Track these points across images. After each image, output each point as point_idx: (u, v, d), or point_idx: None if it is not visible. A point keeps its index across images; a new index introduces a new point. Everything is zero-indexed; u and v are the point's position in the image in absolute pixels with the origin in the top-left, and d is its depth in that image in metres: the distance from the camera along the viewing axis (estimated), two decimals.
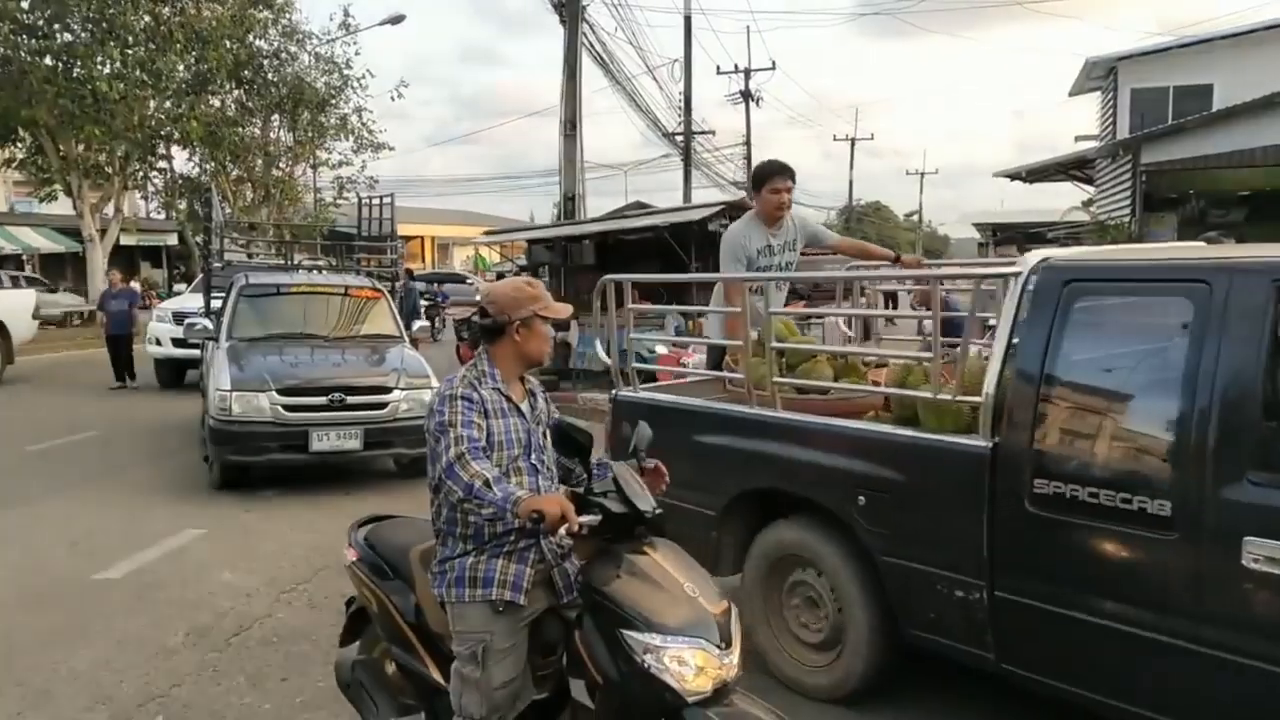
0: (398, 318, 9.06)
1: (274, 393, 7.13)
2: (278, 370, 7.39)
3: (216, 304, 9.33)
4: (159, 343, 13.39)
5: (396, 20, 24.90)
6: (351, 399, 7.24)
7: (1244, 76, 19.00)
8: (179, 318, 12.69)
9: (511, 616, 2.60)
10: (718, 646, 2.35)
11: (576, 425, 2.79)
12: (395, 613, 2.94)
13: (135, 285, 19.97)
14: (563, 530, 2.41)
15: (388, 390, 7.45)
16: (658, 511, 2.58)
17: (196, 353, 12.75)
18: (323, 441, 7.15)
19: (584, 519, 2.47)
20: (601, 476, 2.73)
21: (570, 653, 2.59)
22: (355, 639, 3.40)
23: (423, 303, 17.26)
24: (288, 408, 7.13)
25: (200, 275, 10.95)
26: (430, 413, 2.65)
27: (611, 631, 2.39)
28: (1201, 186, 20.42)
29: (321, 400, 7.20)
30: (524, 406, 2.77)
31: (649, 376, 12.66)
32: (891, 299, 25.15)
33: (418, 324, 9.53)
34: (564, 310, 2.81)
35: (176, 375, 13.51)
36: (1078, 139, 27.11)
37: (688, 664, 2.30)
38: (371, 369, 7.78)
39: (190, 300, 13.68)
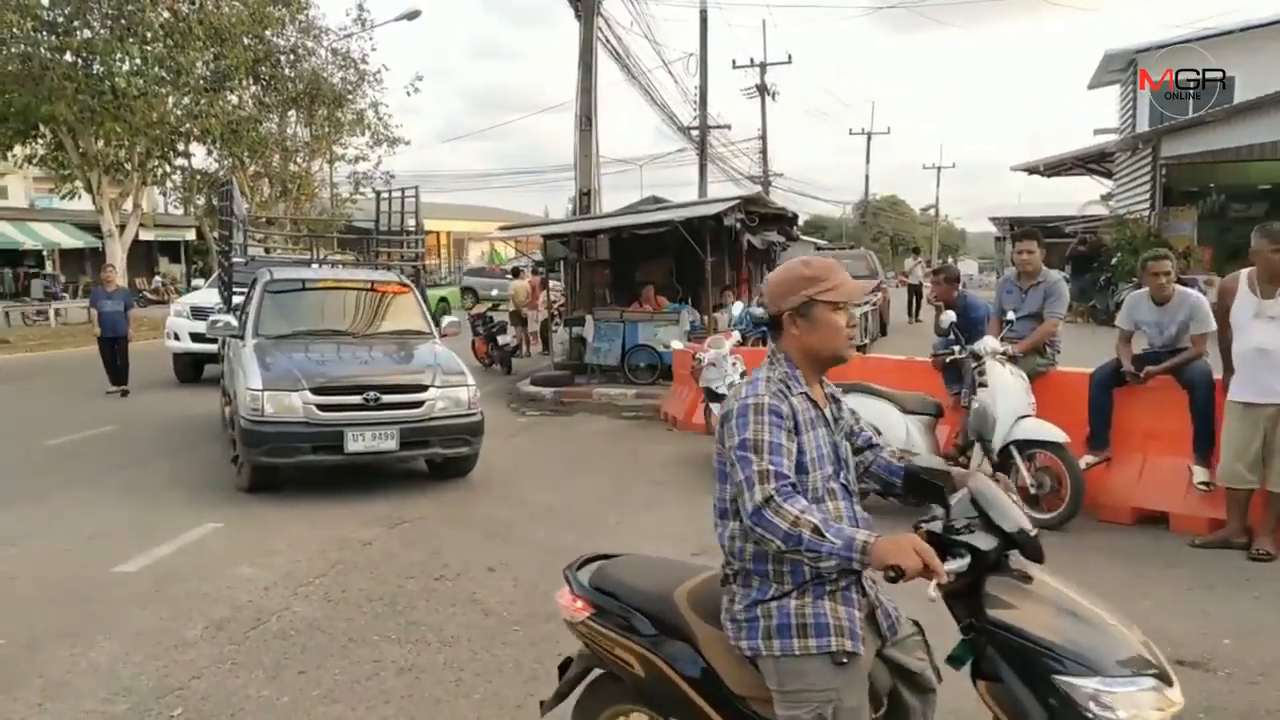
0: (427, 313, 8.74)
1: (307, 392, 6.86)
2: (309, 369, 7.11)
3: (237, 299, 9.25)
4: (177, 338, 13.42)
5: (412, 16, 24.98)
6: (387, 398, 6.98)
7: (1266, 69, 18.78)
8: (198, 313, 12.78)
9: (855, 669, 2.18)
10: (1166, 683, 2.04)
11: (930, 466, 2.42)
12: (674, 676, 2.40)
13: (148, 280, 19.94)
14: (931, 589, 2.06)
15: (423, 388, 7.17)
16: (1034, 533, 2.17)
17: (215, 348, 12.52)
18: (358, 442, 6.89)
19: (950, 566, 2.08)
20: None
21: (910, 704, 2.25)
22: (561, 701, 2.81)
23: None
24: (321, 407, 6.87)
25: (218, 270, 10.63)
26: (725, 422, 2.21)
27: (1041, 676, 2.00)
28: (1222, 180, 20.23)
29: (356, 399, 6.93)
30: (828, 413, 2.34)
31: (665, 372, 12.57)
32: (915, 293, 24.95)
33: (448, 319, 9.13)
34: (853, 291, 2.31)
35: (195, 370, 13.56)
36: (1096, 132, 26.94)
37: (1141, 710, 1.97)
38: (406, 366, 7.51)
39: (208, 295, 13.65)
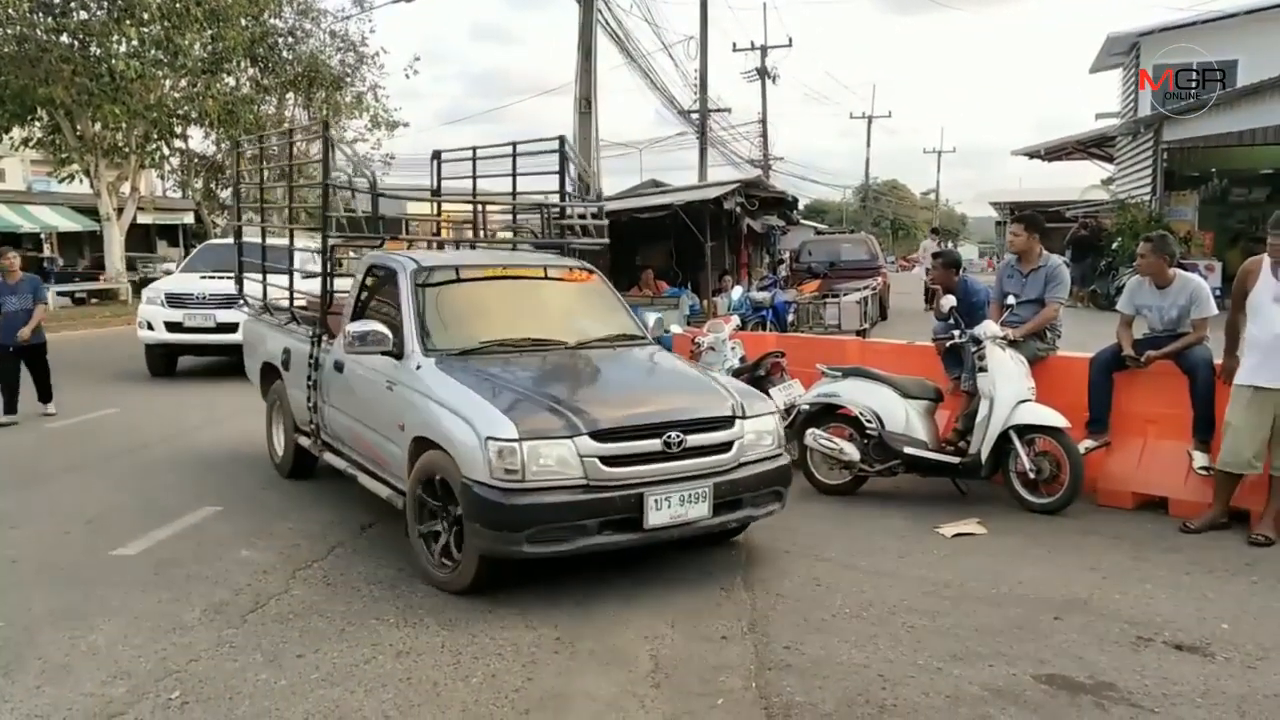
0: (630, 309, 6.52)
1: (586, 438, 4.48)
2: (568, 400, 4.76)
3: (299, 287, 7.35)
4: (150, 327, 12.18)
5: None
6: (692, 438, 4.73)
7: (1269, 52, 18.69)
8: (173, 300, 12.07)
9: None
10: None
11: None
12: None
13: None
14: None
15: (730, 421, 4.90)
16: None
17: (192, 338, 11.94)
18: (662, 510, 4.56)
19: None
20: None
21: None
22: None
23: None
24: (609, 460, 4.51)
25: (232, 238, 8.60)
26: None
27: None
28: (1224, 164, 20.17)
29: (654, 445, 4.63)
30: None
31: None
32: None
33: (653, 316, 6.99)
34: None
35: (169, 363, 12.55)
36: (1098, 116, 26.84)
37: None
38: (689, 390, 5.27)
39: (184, 280, 12.67)
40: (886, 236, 61.30)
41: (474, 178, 8.28)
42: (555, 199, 7.55)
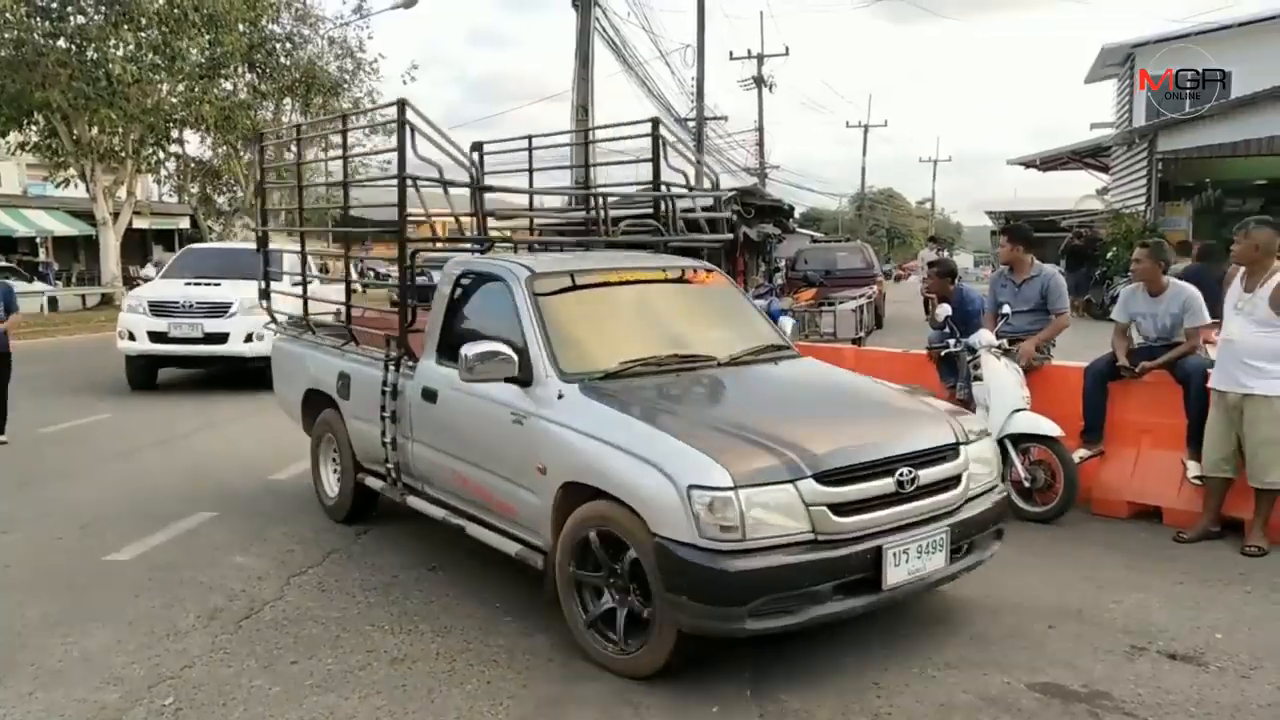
0: (763, 313, 5.85)
1: (811, 481, 3.63)
2: (776, 435, 3.83)
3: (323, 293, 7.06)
4: (132, 337, 11.32)
5: (409, 4, 24.87)
6: (924, 474, 3.92)
7: (1263, 64, 18.77)
8: (157, 309, 11.30)
9: None
10: None
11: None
12: None
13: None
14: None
15: (955, 451, 4.12)
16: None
17: (178, 348, 11.21)
18: (900, 565, 3.78)
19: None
20: None
21: None
22: None
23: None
24: (840, 507, 3.67)
25: (258, 247, 7.51)
26: None
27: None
28: (1218, 175, 20.25)
29: (886, 485, 3.80)
30: None
31: None
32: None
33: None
34: None
35: (150, 375, 11.73)
36: (1093, 126, 26.93)
37: None
38: (905, 415, 4.43)
39: (167, 288, 11.85)
40: (882, 245, 61.40)
41: (530, 170, 7.41)
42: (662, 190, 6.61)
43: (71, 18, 20.70)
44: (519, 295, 4.69)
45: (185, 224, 37.04)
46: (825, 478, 3.66)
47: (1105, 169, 24.52)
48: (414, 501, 5.27)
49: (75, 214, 31.32)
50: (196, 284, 11.67)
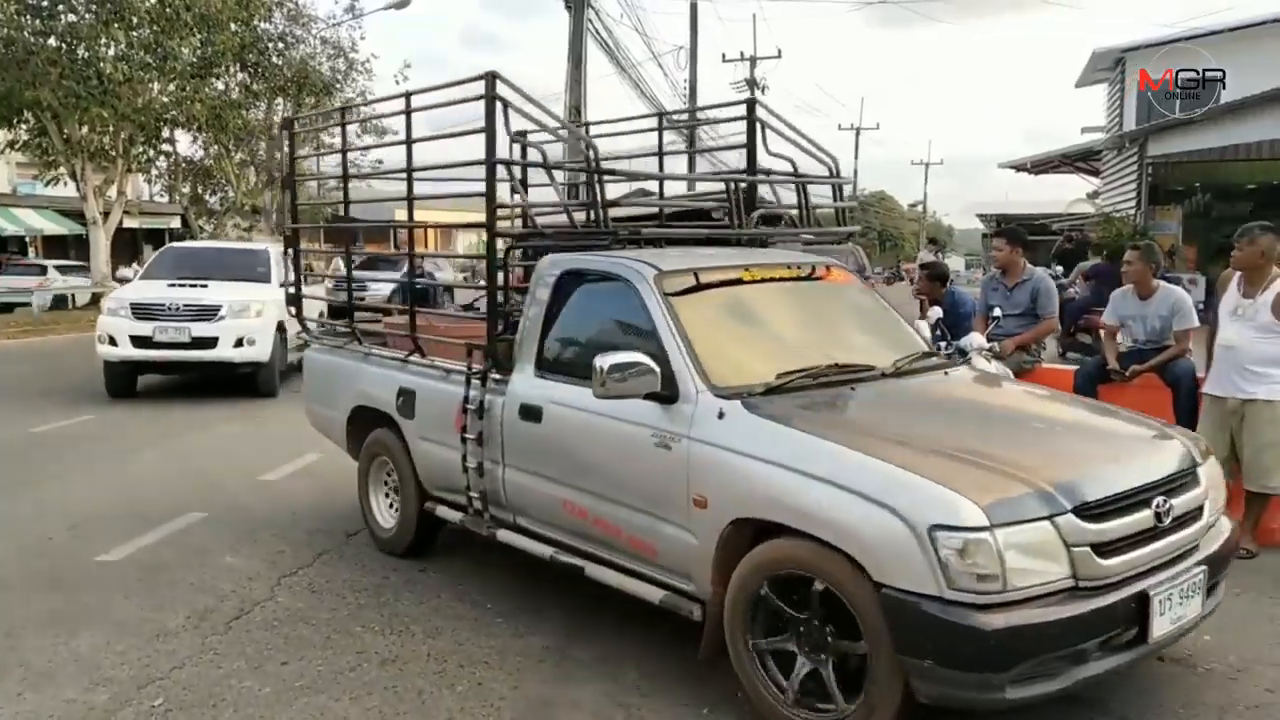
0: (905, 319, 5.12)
1: (1071, 517, 3.07)
2: (1013, 460, 3.26)
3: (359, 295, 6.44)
4: (113, 342, 10.57)
5: (401, 4, 24.85)
6: (1177, 503, 3.40)
7: (1253, 70, 18.87)
8: (140, 311, 10.54)
9: None
10: None
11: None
12: None
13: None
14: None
15: (1194, 475, 3.60)
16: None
17: (163, 354, 10.54)
18: (1165, 612, 3.27)
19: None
20: None
21: None
22: None
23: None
24: (1103, 547, 3.13)
25: (288, 255, 6.64)
26: None
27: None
28: (1208, 179, 20.35)
29: (1145, 518, 3.28)
30: None
31: None
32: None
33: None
34: None
35: (129, 381, 11.03)
36: (1084, 130, 27.02)
37: None
38: (1129, 434, 3.93)
39: (150, 289, 11.06)
40: (874, 248, 61.55)
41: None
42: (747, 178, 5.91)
43: (62, 16, 20.61)
44: (648, 297, 4.03)
45: (176, 223, 36.92)
46: (1084, 511, 3.08)
47: (1096, 173, 24.61)
48: (506, 536, 4.60)
49: (65, 213, 31.14)
50: (181, 285, 11.06)
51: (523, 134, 5.01)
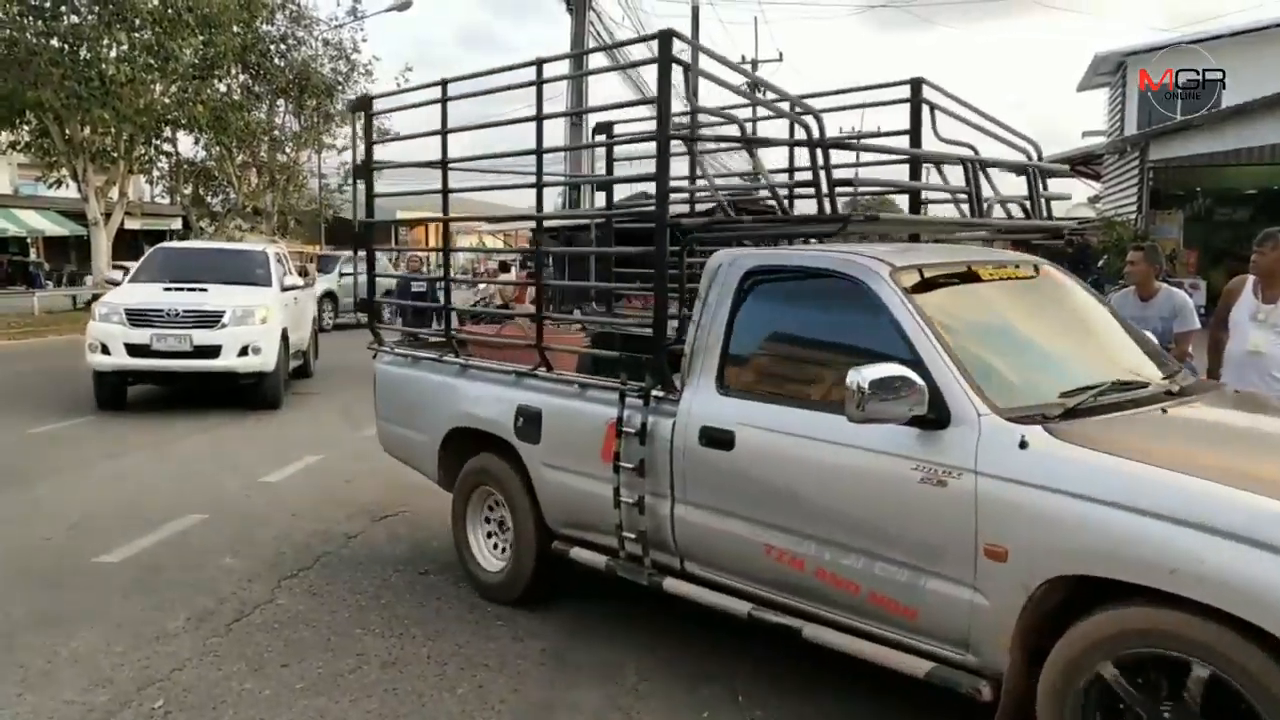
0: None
1: None
2: None
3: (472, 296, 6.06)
4: (106, 350, 9.84)
5: (403, 6, 24.90)
6: None
7: (1253, 74, 18.90)
8: (135, 317, 9.88)
9: None
10: None
11: None
12: None
13: None
14: None
15: None
16: None
17: (162, 364, 9.87)
18: None
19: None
20: None
21: None
22: None
23: None
24: None
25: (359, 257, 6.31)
26: None
27: None
28: (1209, 184, 20.37)
29: None
30: None
31: None
32: None
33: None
34: None
35: (120, 392, 10.34)
36: (1085, 134, 27.06)
37: None
38: None
39: (144, 294, 10.37)
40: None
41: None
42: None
43: (65, 17, 20.63)
44: (890, 298, 3.26)
45: (177, 225, 36.96)
46: None
47: (1097, 177, 24.62)
48: (675, 586, 3.85)
49: (66, 214, 31.18)
50: (178, 289, 10.35)
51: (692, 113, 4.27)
